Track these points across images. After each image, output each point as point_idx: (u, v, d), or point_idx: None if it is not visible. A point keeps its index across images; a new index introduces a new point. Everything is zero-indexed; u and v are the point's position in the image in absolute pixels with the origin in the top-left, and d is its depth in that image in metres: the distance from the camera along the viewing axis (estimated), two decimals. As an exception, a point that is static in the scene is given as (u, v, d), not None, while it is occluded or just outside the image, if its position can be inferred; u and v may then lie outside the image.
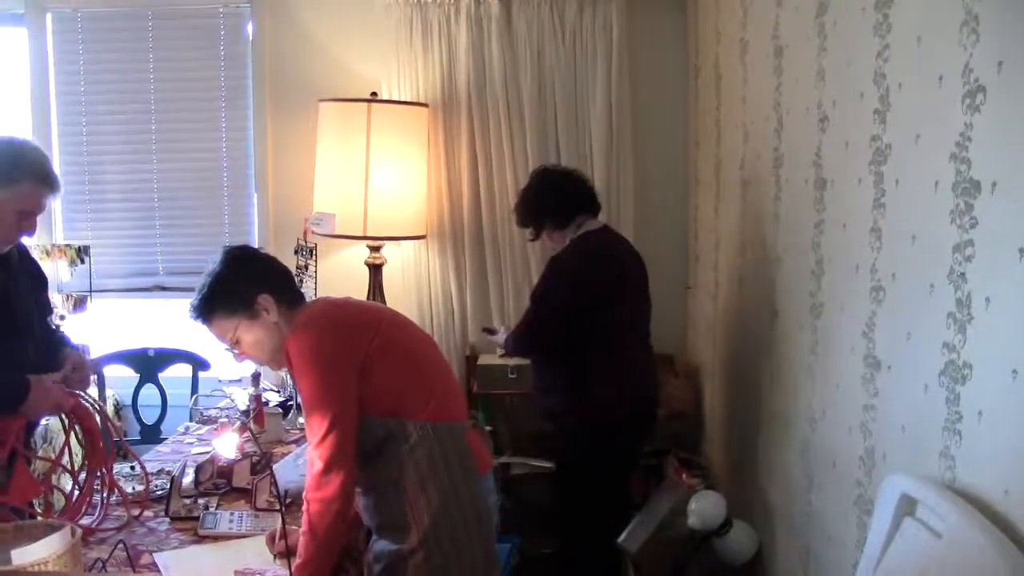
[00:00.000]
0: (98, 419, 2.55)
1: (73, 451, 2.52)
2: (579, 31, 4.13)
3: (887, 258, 1.98)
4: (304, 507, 2.14)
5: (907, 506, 1.71)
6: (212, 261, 2.27)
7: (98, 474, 2.50)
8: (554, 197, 3.26)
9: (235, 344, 2.25)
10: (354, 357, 2.15)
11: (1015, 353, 1.44)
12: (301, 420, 3.41)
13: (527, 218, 3.33)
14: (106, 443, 2.56)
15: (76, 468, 2.51)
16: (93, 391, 3.73)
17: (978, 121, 1.56)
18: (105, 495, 2.52)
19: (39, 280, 2.67)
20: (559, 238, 3.24)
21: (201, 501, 2.61)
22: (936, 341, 1.71)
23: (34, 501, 2.43)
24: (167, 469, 2.87)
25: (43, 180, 2.40)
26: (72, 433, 2.51)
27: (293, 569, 2.05)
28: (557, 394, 3.20)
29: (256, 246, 4.20)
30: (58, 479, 2.65)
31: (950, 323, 1.66)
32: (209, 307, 2.22)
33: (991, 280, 1.53)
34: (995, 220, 1.51)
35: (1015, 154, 1.43)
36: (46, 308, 2.69)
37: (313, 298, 2.56)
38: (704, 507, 2.84)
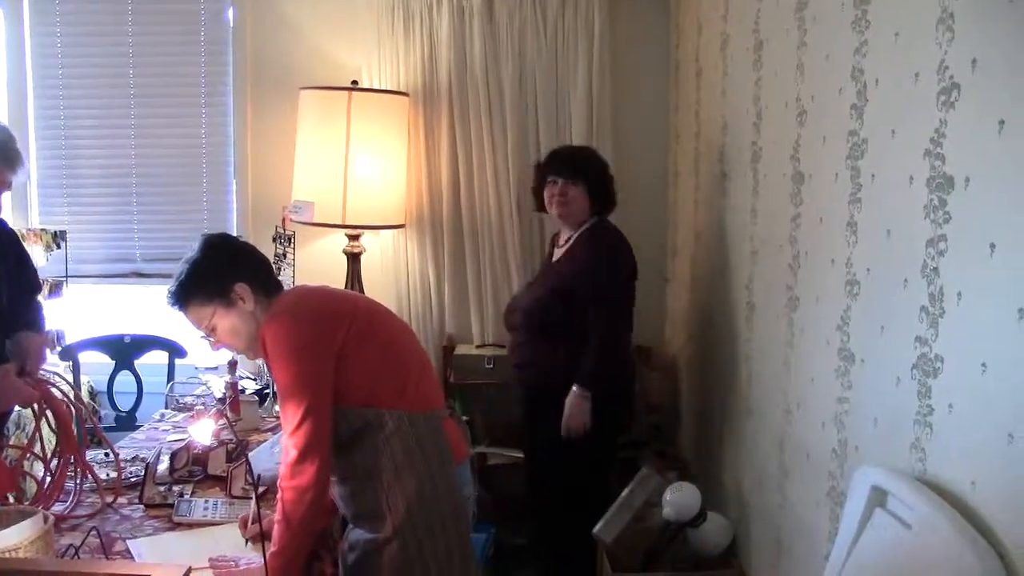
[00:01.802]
0: (70, 406, 2.54)
1: (45, 438, 2.51)
2: (560, 22, 4.13)
3: (862, 252, 1.99)
4: (279, 495, 2.14)
5: (878, 498, 1.73)
6: (190, 248, 2.27)
7: (72, 461, 2.49)
8: (612, 188, 3.36)
9: (211, 332, 2.25)
10: (330, 345, 2.14)
11: (985, 347, 1.46)
12: (277, 408, 3.41)
13: (598, 177, 3.31)
14: (79, 430, 2.55)
15: (48, 455, 2.49)
16: (69, 376, 3.73)
17: (952, 118, 1.57)
18: (78, 482, 2.51)
19: (14, 260, 2.63)
20: (582, 211, 3.27)
21: (176, 488, 2.60)
22: (909, 335, 1.72)
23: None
24: (142, 456, 2.85)
25: (2, 157, 2.38)
26: (44, 420, 2.49)
27: (267, 557, 2.05)
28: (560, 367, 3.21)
29: (235, 233, 4.19)
30: (31, 466, 2.64)
31: (923, 317, 1.67)
32: (185, 294, 2.22)
33: (963, 275, 1.54)
34: (967, 215, 1.53)
35: (987, 151, 1.45)
36: (27, 287, 2.65)
37: (290, 287, 2.55)
38: (679, 498, 2.85)
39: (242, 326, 2.23)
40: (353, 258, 4.08)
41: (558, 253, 3.36)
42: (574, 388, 3.13)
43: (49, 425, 2.49)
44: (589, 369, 3.13)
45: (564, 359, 3.19)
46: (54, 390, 2.51)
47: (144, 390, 4.04)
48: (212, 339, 2.27)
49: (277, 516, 2.13)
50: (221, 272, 2.22)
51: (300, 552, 2.13)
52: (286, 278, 3.86)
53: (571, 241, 3.30)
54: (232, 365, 3.36)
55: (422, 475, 2.17)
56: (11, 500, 2.37)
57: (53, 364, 3.66)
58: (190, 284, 2.21)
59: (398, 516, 2.15)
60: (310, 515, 2.11)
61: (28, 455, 2.54)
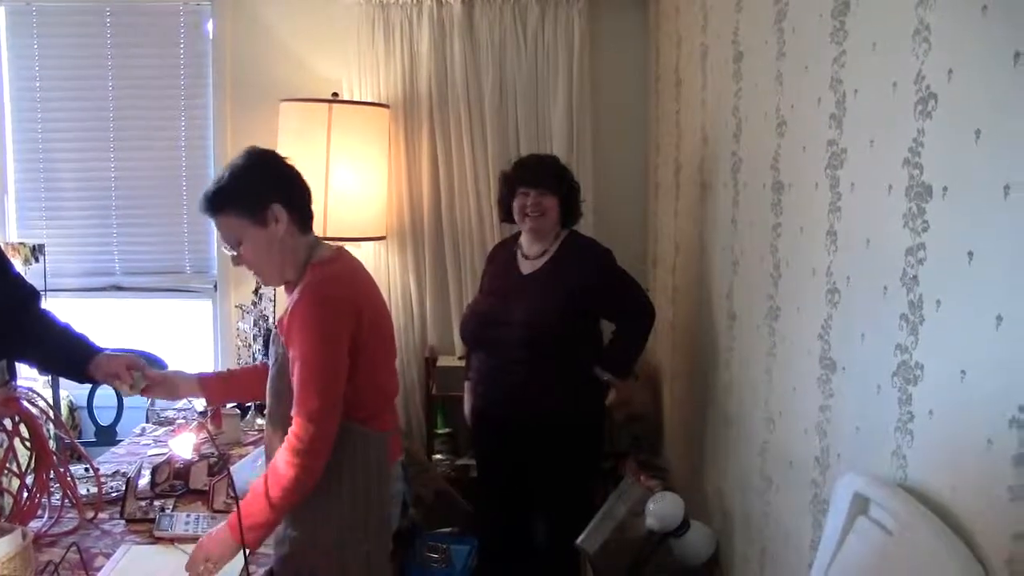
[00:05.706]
0: (46, 419, 2.51)
1: (21, 454, 2.48)
2: (541, 34, 4.15)
3: (842, 261, 2.00)
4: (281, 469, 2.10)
5: (860, 505, 1.74)
6: (236, 156, 2.23)
7: (51, 477, 2.46)
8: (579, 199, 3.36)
9: (237, 246, 2.17)
10: (349, 340, 2.13)
11: (964, 354, 1.47)
12: (259, 421, 3.39)
13: (569, 188, 3.27)
14: (56, 445, 2.52)
15: (24, 471, 2.47)
16: (48, 391, 3.69)
17: (929, 127, 1.58)
18: (58, 498, 2.48)
19: None
20: (555, 223, 3.23)
21: (157, 503, 2.58)
22: (889, 342, 1.73)
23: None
24: (122, 471, 2.83)
25: None
26: (17, 436, 2.46)
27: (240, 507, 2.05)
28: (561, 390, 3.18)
29: (214, 243, 4.18)
30: (9, 482, 2.61)
31: (903, 325, 1.68)
32: (220, 201, 2.15)
33: (942, 282, 1.55)
34: (945, 224, 1.54)
35: (963, 159, 1.46)
36: (19, 296, 2.62)
37: (331, 247, 2.35)
38: (662, 508, 2.85)
39: (270, 250, 2.16)
40: (334, 270, 4.06)
41: (530, 265, 3.25)
42: (612, 377, 3.23)
43: (23, 441, 2.46)
44: (631, 357, 3.32)
45: (571, 376, 3.17)
46: (31, 406, 2.49)
47: (124, 404, 4.00)
48: (236, 255, 2.19)
49: (266, 490, 2.10)
50: (261, 186, 2.16)
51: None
52: (267, 293, 3.85)
53: (550, 253, 3.23)
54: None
55: (359, 487, 2.18)
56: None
57: (31, 379, 3.63)
58: (227, 191, 2.14)
59: (337, 523, 2.16)
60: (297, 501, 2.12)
61: (3, 471, 2.51)
